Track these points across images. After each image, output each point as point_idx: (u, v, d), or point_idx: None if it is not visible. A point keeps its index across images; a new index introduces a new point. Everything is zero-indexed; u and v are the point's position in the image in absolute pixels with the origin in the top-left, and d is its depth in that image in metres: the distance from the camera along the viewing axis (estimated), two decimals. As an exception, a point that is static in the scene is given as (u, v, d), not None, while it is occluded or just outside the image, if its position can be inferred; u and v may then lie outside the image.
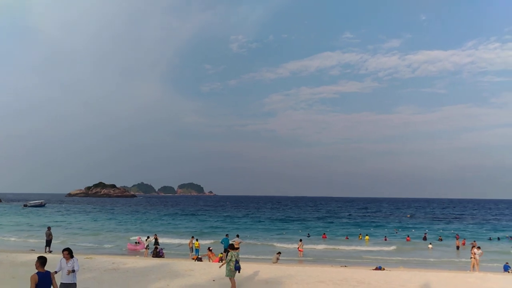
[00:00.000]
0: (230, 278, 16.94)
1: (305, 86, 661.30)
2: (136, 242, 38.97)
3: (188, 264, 24.07)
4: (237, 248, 30.91)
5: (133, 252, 36.57)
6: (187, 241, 36.11)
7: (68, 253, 11.90)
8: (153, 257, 31.42)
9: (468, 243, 41.81)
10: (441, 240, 49.67)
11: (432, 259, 35.61)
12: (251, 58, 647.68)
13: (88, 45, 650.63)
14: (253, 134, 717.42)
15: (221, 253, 29.08)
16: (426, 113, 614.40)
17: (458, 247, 41.79)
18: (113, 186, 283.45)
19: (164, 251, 33.30)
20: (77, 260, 12.06)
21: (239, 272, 17.10)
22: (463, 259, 34.35)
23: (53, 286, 10.13)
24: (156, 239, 36.72)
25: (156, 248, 33.02)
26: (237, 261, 16.84)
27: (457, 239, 44.91)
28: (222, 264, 17.60)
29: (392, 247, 42.76)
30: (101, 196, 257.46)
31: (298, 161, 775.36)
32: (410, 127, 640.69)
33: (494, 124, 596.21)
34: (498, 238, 51.44)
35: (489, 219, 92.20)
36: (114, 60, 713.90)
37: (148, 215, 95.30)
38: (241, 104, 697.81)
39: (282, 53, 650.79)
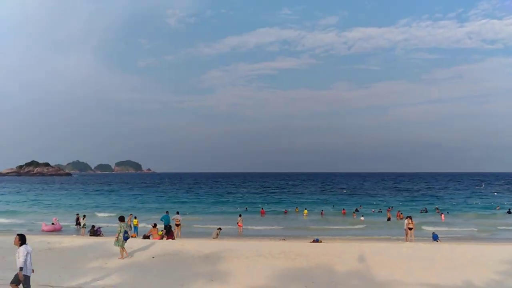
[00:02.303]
0: (120, 248, 18.82)
1: (243, 62, 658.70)
2: (52, 223, 37.17)
3: (127, 242, 23.72)
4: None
5: (69, 232, 35.48)
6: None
7: (19, 239, 11.02)
8: (90, 236, 30.75)
9: (405, 215, 43.75)
10: (381, 211, 51.67)
11: (367, 231, 37.16)
12: (189, 33, 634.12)
13: (13, 15, 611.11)
14: (191, 110, 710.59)
15: (161, 231, 28.84)
16: (360, 89, 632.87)
17: (389, 219, 43.53)
18: (47, 164, 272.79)
19: (102, 230, 32.61)
20: (26, 247, 10.97)
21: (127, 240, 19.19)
22: (396, 230, 35.98)
23: None
24: (77, 219, 35.89)
25: (93, 226, 32.30)
26: (126, 232, 18.79)
27: (388, 211, 46.67)
28: (116, 236, 18.99)
29: (329, 220, 44.18)
30: (34, 175, 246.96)
31: (237, 137, 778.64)
32: (345, 103, 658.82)
33: (424, 100, 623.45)
34: (426, 210, 53.92)
35: (419, 192, 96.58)
36: (43, 32, 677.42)
37: (82, 193, 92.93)
38: (179, 80, 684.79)
39: (220, 28, 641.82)
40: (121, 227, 18.88)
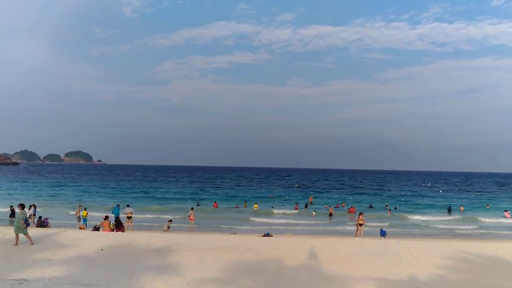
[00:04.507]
0: (24, 234, 19.18)
1: (199, 54, 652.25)
2: None
3: (75, 234, 23.25)
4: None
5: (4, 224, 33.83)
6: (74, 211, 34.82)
7: None
8: (36, 227, 29.83)
9: (358, 211, 44.75)
10: (338, 207, 52.70)
11: (317, 226, 37.79)
12: (144, 23, 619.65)
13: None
14: (145, 102, 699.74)
15: (112, 224, 28.39)
16: (316, 86, 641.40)
17: (331, 214, 44.50)
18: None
19: (49, 221, 31.68)
20: None
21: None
22: (341, 226, 36.88)
23: None
24: (12, 211, 33.98)
25: (40, 217, 31.38)
26: (26, 220, 19.50)
27: (331, 208, 47.48)
28: (22, 223, 19.35)
29: (280, 215, 44.63)
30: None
31: (192, 130, 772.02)
32: (301, 100, 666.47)
33: (376, 99, 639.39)
34: (371, 206, 55.30)
35: (369, 188, 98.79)
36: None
37: (28, 183, 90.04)
38: (133, 70, 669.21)
39: (176, 20, 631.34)
40: (22, 215, 19.46)
